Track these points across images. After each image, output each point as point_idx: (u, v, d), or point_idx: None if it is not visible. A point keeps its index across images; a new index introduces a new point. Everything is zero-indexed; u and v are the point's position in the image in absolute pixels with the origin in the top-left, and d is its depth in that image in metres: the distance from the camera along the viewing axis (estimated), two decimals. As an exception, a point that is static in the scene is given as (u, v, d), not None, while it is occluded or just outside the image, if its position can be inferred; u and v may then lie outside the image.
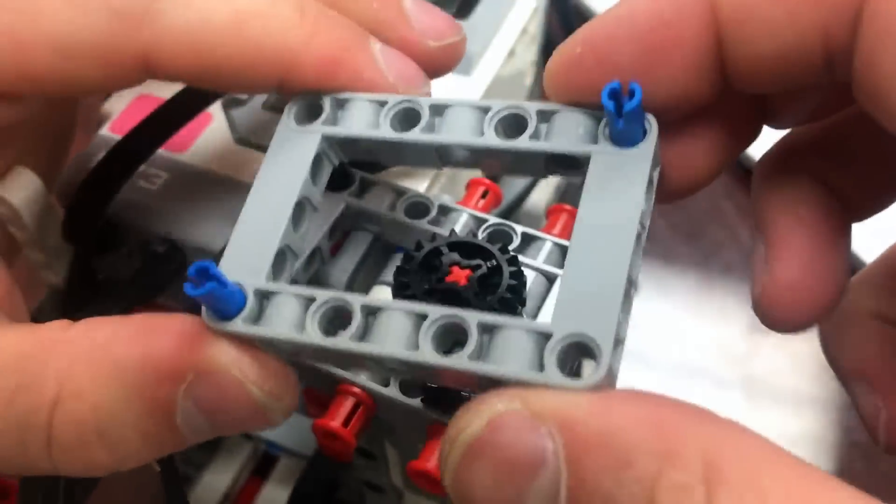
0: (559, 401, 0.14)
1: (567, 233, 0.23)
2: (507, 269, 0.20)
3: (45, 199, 0.26)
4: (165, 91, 0.25)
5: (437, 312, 0.16)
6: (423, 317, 0.16)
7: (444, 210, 0.23)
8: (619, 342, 0.15)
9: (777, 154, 0.20)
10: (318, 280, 0.23)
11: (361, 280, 0.24)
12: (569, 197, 0.39)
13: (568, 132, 0.18)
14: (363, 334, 0.17)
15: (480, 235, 0.22)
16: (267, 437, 0.29)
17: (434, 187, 0.27)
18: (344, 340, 0.16)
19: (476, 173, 0.32)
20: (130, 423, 0.17)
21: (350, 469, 0.29)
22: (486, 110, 0.18)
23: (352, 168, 0.23)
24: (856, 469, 0.42)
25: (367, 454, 0.26)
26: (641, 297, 0.47)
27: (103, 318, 0.18)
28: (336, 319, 0.17)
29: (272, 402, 0.17)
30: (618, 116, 0.16)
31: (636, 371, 0.45)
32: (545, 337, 0.15)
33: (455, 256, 0.21)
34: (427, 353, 0.16)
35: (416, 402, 0.19)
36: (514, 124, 0.18)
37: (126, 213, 0.26)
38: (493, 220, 0.22)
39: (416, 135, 0.19)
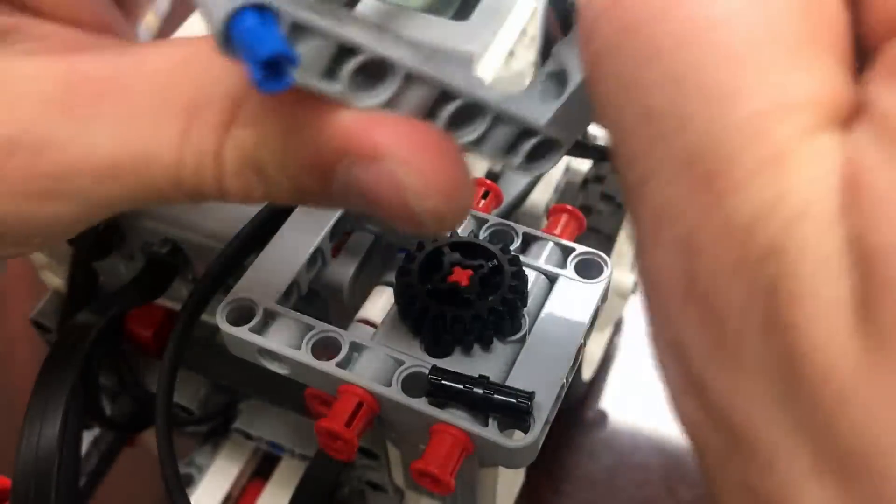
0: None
1: (568, 233, 0.23)
2: (508, 269, 0.20)
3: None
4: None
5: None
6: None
7: (446, 210, 0.23)
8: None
9: None
10: (319, 281, 0.23)
11: (363, 281, 0.24)
12: (568, 197, 0.39)
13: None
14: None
15: (482, 236, 0.22)
16: (269, 438, 0.29)
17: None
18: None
19: (477, 173, 0.32)
20: (289, 171, 0.16)
21: (352, 469, 0.29)
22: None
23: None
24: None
25: (369, 454, 0.26)
26: (641, 296, 0.47)
27: None
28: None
29: (430, 220, 0.16)
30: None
31: (636, 370, 0.46)
32: None
33: (457, 257, 0.21)
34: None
35: (418, 402, 0.19)
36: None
37: (127, 214, 0.26)
38: (494, 220, 0.22)
39: None
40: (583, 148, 0.28)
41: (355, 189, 0.16)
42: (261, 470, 0.34)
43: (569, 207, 0.23)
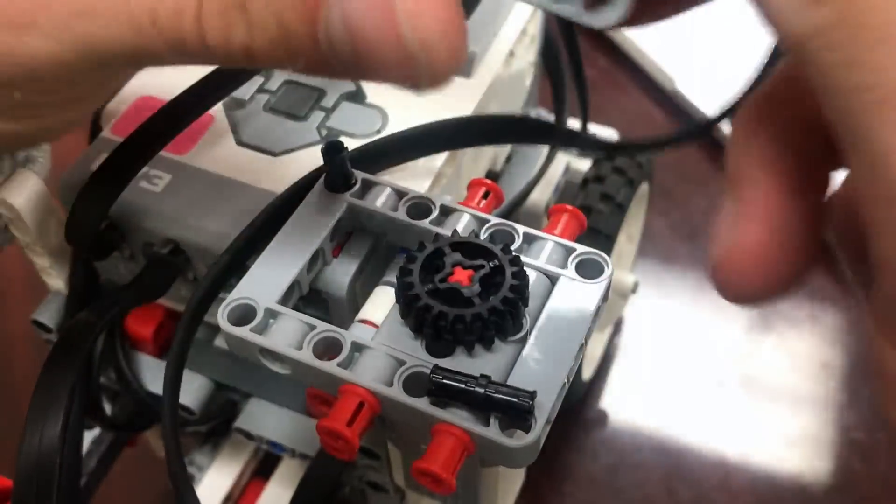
0: None
1: (568, 233, 0.23)
2: (509, 269, 0.20)
3: (47, 201, 0.26)
4: (167, 93, 0.25)
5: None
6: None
7: (446, 210, 0.23)
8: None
9: (758, 101, 0.17)
10: (320, 281, 0.23)
11: (364, 281, 0.24)
12: (568, 197, 0.39)
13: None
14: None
15: (482, 235, 0.22)
16: (269, 438, 0.29)
17: (436, 188, 0.27)
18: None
19: (476, 174, 0.32)
20: (274, 7, 0.16)
21: (353, 469, 0.29)
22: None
23: (353, 169, 0.23)
24: (854, 468, 0.42)
25: (370, 454, 0.26)
26: (641, 296, 0.47)
27: None
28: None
29: (420, 51, 0.15)
30: None
31: (636, 370, 0.46)
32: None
33: (458, 257, 0.21)
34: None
35: (420, 402, 0.19)
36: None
37: (128, 214, 0.26)
38: (494, 220, 0.22)
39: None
40: (586, 142, 0.28)
41: (343, 27, 0.16)
42: (261, 470, 0.34)
43: (569, 207, 0.23)
